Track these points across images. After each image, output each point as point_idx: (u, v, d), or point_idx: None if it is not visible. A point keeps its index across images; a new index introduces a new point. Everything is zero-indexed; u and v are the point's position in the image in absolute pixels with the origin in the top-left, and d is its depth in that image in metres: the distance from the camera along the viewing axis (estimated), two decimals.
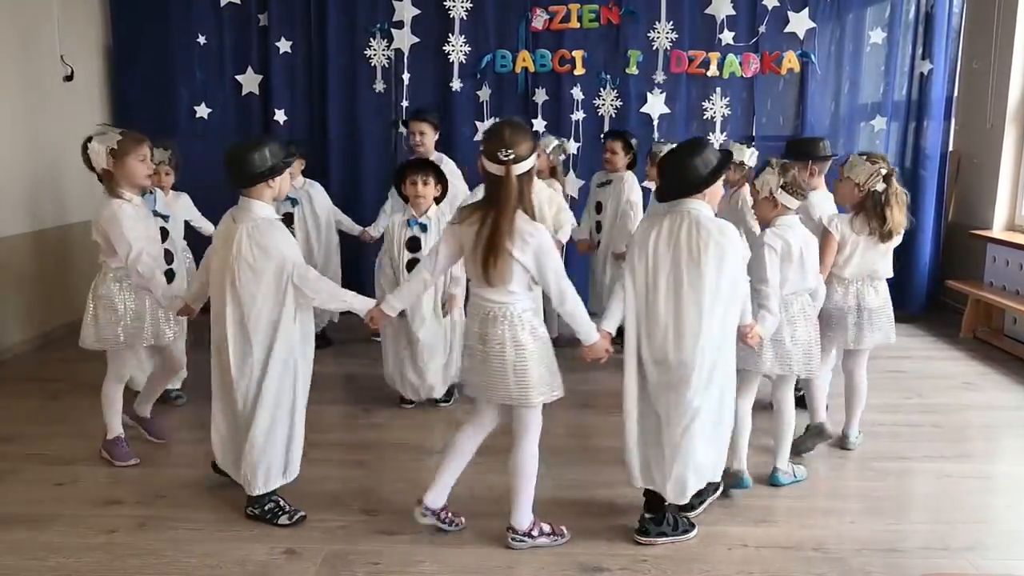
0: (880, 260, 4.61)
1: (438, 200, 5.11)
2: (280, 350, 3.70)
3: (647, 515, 3.69)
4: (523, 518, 3.62)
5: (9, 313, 6.34)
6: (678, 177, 3.53)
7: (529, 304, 3.46)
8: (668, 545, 3.65)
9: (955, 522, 3.92)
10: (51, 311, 6.60)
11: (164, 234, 4.83)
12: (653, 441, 3.61)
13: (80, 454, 4.51)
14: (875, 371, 6.17)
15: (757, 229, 4.83)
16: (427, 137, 6.06)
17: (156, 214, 4.91)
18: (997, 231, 7.43)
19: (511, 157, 3.28)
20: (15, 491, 4.13)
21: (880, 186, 4.47)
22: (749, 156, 5.56)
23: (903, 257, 7.69)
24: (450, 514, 3.74)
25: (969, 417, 5.35)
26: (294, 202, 6.21)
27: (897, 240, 4.60)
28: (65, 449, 4.57)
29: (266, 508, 3.82)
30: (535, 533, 3.64)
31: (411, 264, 5.01)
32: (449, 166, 5.83)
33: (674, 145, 4.25)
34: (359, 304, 3.79)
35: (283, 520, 3.79)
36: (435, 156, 5.84)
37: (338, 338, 6.74)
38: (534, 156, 3.41)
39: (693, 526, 3.75)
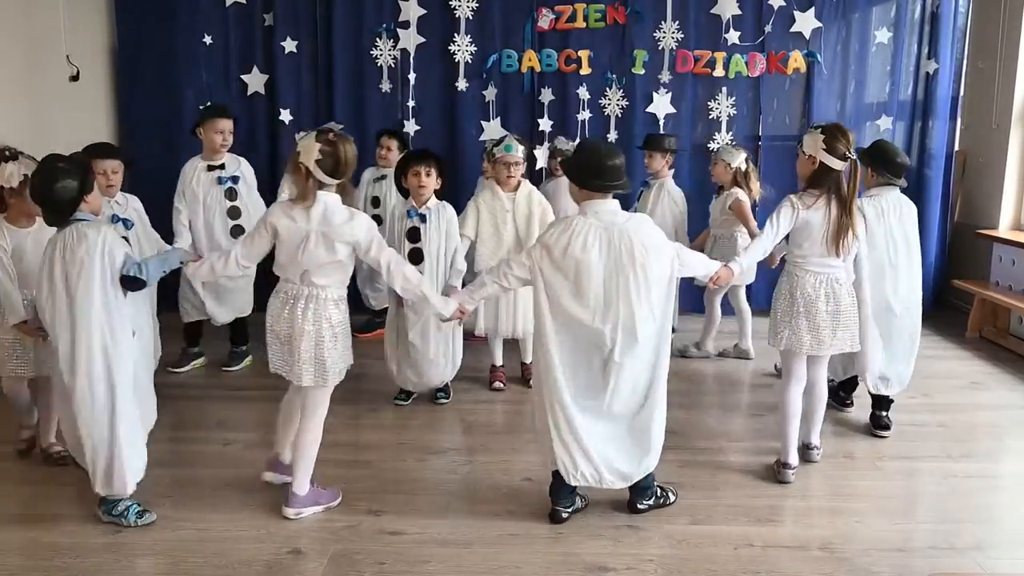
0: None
1: (438, 193, 5.19)
2: (666, 340, 3.82)
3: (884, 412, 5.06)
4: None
5: None
6: (898, 168, 4.88)
7: None
8: (674, 545, 3.66)
9: (961, 522, 3.92)
10: None
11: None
12: (889, 355, 4.95)
13: None
14: None
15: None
16: (231, 137, 5.87)
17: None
18: (1003, 231, 7.42)
19: (853, 156, 4.12)
20: (21, 491, 4.14)
21: (743, 165, 6.08)
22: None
23: None
24: None
25: (975, 417, 5.34)
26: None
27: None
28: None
29: (658, 495, 4.00)
30: None
31: (412, 254, 5.04)
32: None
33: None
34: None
35: (672, 498, 4.05)
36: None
37: None
38: None
39: None
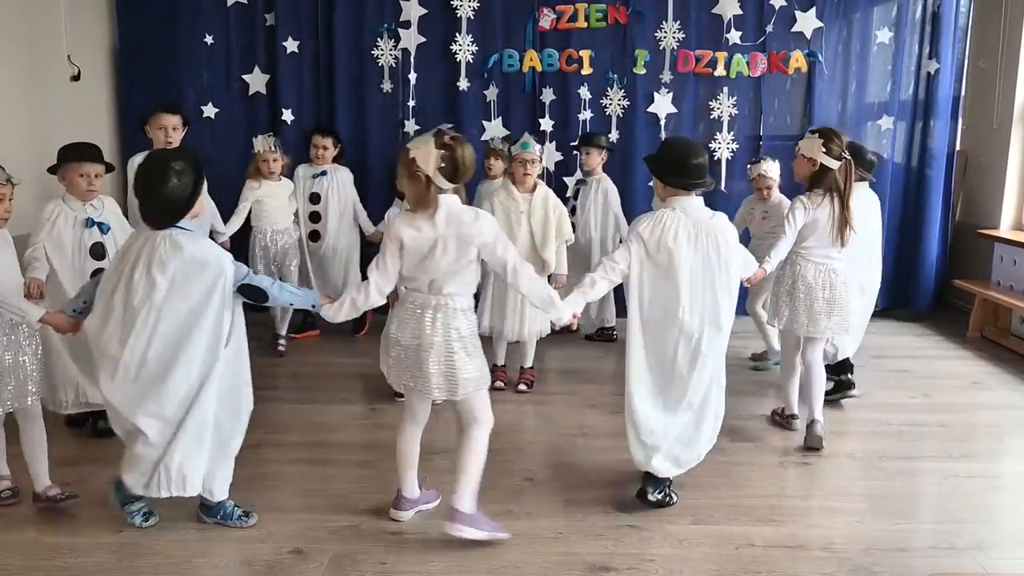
0: None
1: None
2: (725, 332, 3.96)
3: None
4: None
5: None
6: (869, 164, 5.39)
7: None
8: (675, 545, 3.66)
9: (962, 522, 3.92)
10: None
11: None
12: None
13: (88, 454, 4.52)
14: (882, 370, 6.21)
15: None
16: (177, 133, 5.52)
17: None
18: (1004, 231, 7.42)
19: (847, 156, 4.55)
20: (23, 491, 4.12)
21: None
22: None
23: (910, 256, 7.71)
24: None
25: (976, 417, 5.34)
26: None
27: None
28: (73, 450, 4.58)
29: (665, 492, 4.03)
30: None
31: None
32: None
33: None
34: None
35: (675, 499, 4.05)
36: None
37: (349, 336, 6.78)
38: None
39: None
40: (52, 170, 4.68)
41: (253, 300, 3.62)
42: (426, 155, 3.42)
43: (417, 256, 3.52)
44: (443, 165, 3.43)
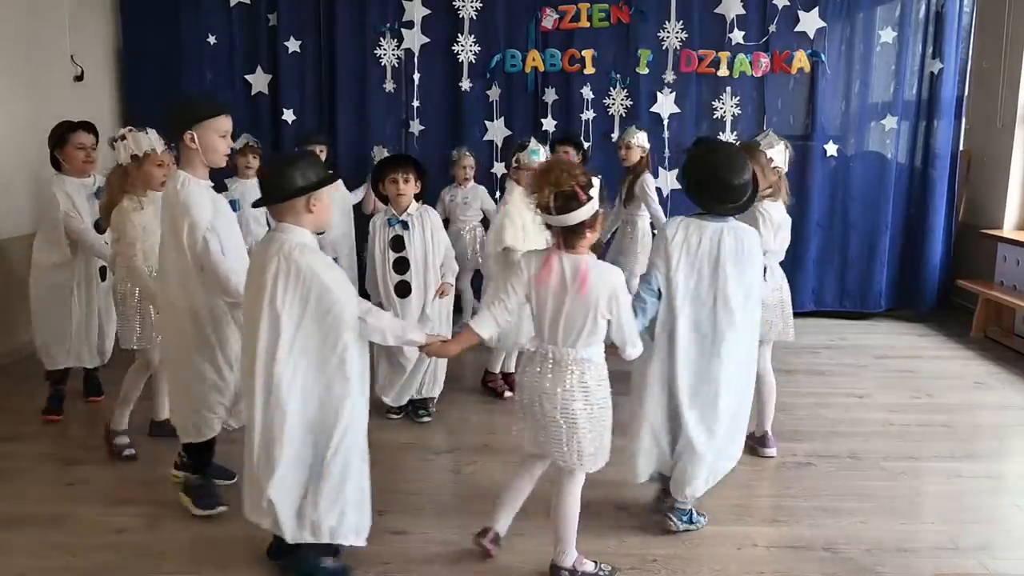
0: None
1: (418, 197, 4.96)
2: None
3: None
4: None
5: (19, 313, 6.34)
6: None
7: None
8: (678, 544, 3.66)
9: (965, 522, 3.91)
10: None
11: None
12: None
13: (90, 454, 4.52)
14: (885, 370, 6.20)
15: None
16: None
17: None
18: (1008, 231, 7.41)
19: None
20: (26, 490, 4.14)
21: None
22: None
23: (914, 256, 7.70)
24: None
25: (980, 417, 5.33)
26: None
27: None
28: (75, 449, 4.58)
29: None
30: None
31: (397, 264, 4.89)
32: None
33: None
34: None
35: None
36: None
37: None
38: None
39: None
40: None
41: None
42: (783, 157, 4.32)
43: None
44: (787, 168, 4.37)
